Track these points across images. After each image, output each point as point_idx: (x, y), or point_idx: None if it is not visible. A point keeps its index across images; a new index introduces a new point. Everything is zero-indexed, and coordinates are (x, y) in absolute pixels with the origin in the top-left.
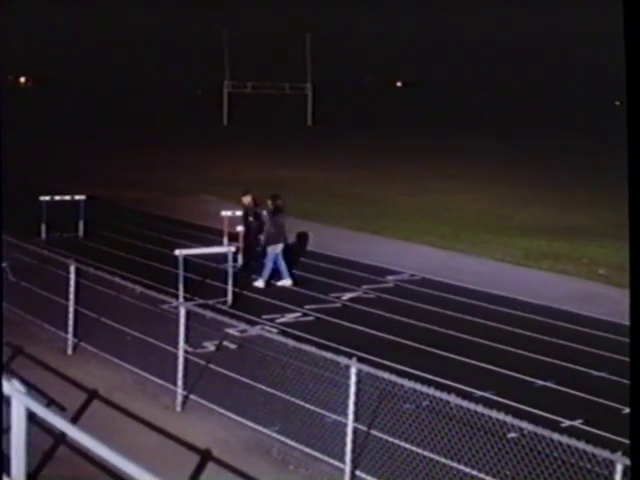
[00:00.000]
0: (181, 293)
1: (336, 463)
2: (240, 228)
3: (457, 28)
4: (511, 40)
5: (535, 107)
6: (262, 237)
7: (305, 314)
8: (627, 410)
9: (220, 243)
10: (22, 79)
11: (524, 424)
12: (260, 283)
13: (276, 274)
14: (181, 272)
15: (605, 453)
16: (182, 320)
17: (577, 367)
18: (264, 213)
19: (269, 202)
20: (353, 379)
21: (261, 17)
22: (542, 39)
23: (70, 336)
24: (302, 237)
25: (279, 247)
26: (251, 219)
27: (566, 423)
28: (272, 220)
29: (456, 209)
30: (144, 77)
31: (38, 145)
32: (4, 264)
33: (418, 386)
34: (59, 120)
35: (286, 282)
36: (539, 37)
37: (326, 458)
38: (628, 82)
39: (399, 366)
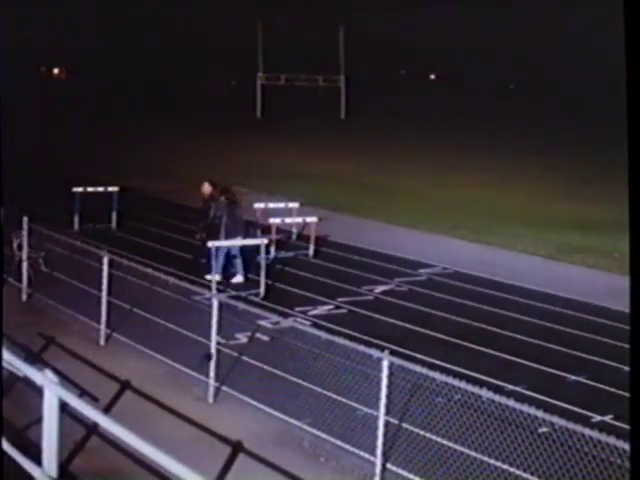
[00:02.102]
0: (214, 285)
1: (367, 456)
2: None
3: (490, 21)
4: (546, 33)
5: (568, 100)
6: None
7: (337, 306)
8: None
9: (253, 235)
10: (55, 70)
11: (555, 419)
12: (216, 276)
13: (232, 268)
14: (214, 264)
15: None
16: (215, 311)
17: (608, 362)
18: (220, 205)
19: (222, 196)
20: (385, 372)
21: (294, 8)
22: (579, 36)
23: (103, 327)
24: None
25: (239, 240)
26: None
27: (597, 418)
28: (229, 213)
29: (489, 202)
30: (177, 68)
31: (71, 136)
32: (39, 254)
33: (450, 380)
34: (92, 111)
35: (239, 278)
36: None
37: (357, 451)
38: (628, 82)
39: (431, 359)
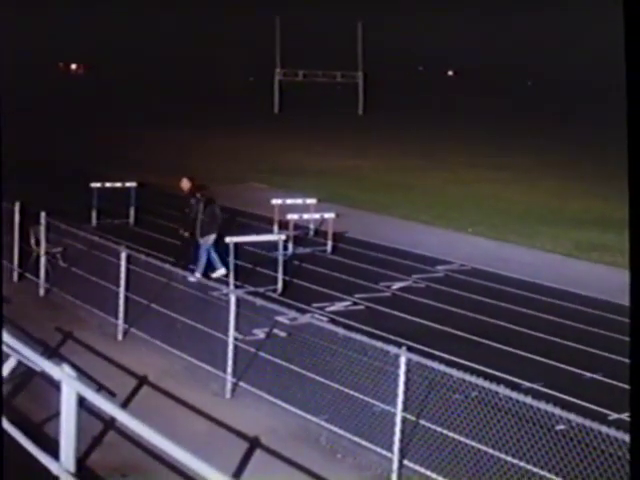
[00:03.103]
0: (231, 280)
1: (384, 452)
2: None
3: (507, 17)
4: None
5: (587, 98)
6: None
7: (355, 303)
8: None
9: (270, 231)
10: (73, 66)
11: (572, 416)
12: (197, 275)
13: (210, 265)
14: (232, 259)
15: None
16: (232, 307)
17: (625, 360)
18: (193, 202)
19: (197, 193)
20: (402, 368)
21: (312, 4)
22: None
23: (120, 322)
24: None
25: (212, 238)
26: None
27: (614, 416)
28: (205, 210)
29: (507, 199)
30: (195, 64)
31: (89, 132)
32: (57, 249)
33: (467, 376)
34: (109, 107)
35: (220, 272)
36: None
37: (374, 447)
38: (628, 82)
39: (448, 356)
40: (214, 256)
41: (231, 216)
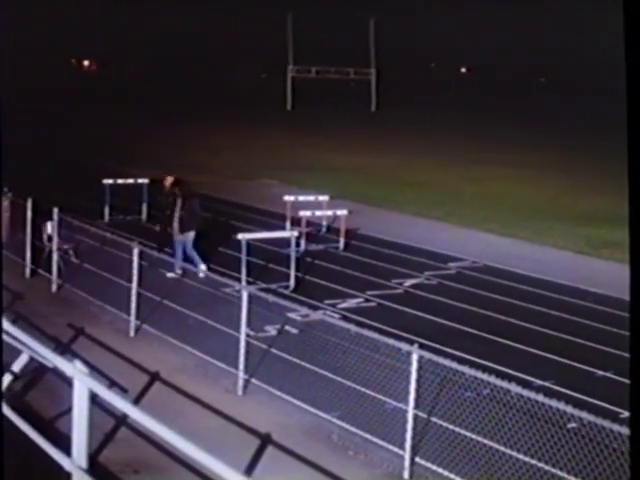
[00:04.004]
0: (244, 277)
1: (396, 450)
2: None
3: (521, 14)
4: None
5: (600, 95)
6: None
7: (367, 300)
8: None
9: (283, 227)
10: (85, 62)
11: (584, 414)
12: (178, 271)
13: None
14: (244, 256)
15: None
16: (244, 304)
17: None
18: (171, 199)
19: (176, 188)
20: (414, 366)
21: (325, 1)
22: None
23: (132, 318)
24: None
25: (191, 234)
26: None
27: (625, 414)
28: (184, 206)
29: (519, 196)
30: (208, 61)
31: (102, 128)
32: (70, 245)
33: (479, 374)
34: (122, 103)
35: (202, 267)
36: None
37: (386, 444)
38: (628, 82)
39: (460, 353)
40: (194, 254)
41: (242, 212)
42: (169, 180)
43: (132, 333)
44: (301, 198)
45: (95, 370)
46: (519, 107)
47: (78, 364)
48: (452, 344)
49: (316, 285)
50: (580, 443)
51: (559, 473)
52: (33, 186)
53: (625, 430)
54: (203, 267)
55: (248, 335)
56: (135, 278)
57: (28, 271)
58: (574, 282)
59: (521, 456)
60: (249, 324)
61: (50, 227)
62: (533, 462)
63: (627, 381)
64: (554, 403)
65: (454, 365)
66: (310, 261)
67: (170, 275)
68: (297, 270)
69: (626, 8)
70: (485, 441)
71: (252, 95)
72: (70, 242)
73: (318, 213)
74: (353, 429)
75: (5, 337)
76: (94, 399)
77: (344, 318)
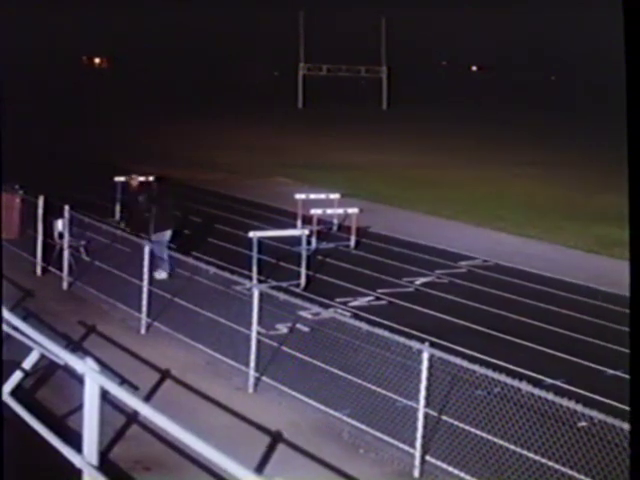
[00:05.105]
0: (255, 275)
1: (406, 448)
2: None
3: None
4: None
5: (614, 95)
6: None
7: (378, 298)
8: None
9: (294, 225)
10: (97, 60)
11: (594, 413)
12: (164, 274)
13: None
14: (255, 254)
15: None
16: (255, 302)
17: None
18: (141, 198)
19: (147, 188)
20: (425, 364)
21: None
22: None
23: (143, 316)
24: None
25: (167, 234)
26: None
27: None
28: (157, 205)
29: (530, 195)
30: (219, 59)
31: (114, 126)
32: (81, 242)
33: (490, 372)
34: (134, 101)
35: (163, 273)
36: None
37: (396, 443)
38: (628, 82)
39: (471, 352)
40: (164, 255)
41: (253, 210)
42: (135, 179)
43: (143, 331)
44: (312, 196)
45: (106, 367)
46: (531, 105)
47: (89, 361)
48: (463, 342)
49: (327, 283)
50: (591, 442)
51: (569, 472)
52: (45, 184)
53: None
54: (164, 274)
55: (259, 333)
56: (146, 276)
57: (39, 269)
58: (584, 281)
59: (531, 455)
60: (260, 322)
61: (61, 225)
62: (543, 461)
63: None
64: (564, 402)
65: (465, 363)
66: (321, 259)
67: (160, 276)
68: (308, 268)
69: (626, 8)
70: (495, 440)
71: (264, 93)
72: (81, 239)
73: (329, 211)
74: (364, 427)
75: (16, 334)
76: (105, 396)
77: (355, 316)
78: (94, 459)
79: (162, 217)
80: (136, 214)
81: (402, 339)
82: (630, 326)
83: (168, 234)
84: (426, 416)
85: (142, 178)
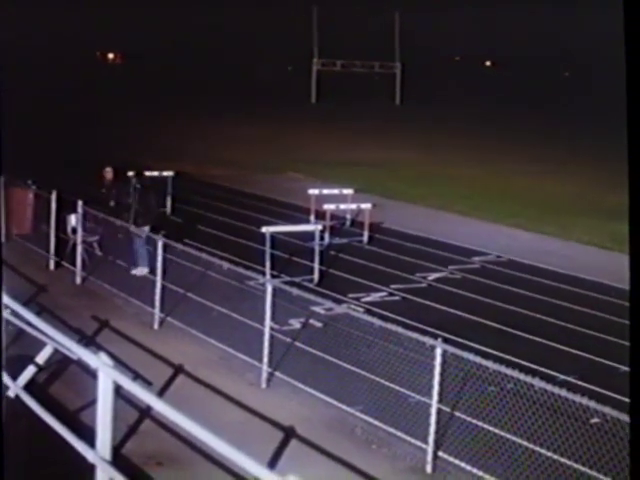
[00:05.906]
0: (268, 270)
1: (419, 443)
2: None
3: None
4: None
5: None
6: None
7: (391, 294)
8: None
9: (307, 221)
10: (110, 55)
11: (607, 409)
12: (145, 270)
13: (132, 258)
14: (268, 249)
15: None
16: (268, 297)
17: None
18: (130, 190)
19: (133, 179)
20: (438, 360)
21: None
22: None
23: (157, 311)
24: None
25: (145, 230)
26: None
27: None
28: (140, 200)
29: (543, 191)
30: (233, 54)
31: (128, 122)
32: (94, 237)
33: (503, 368)
34: (148, 97)
35: (143, 270)
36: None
37: (409, 438)
38: (628, 82)
39: (484, 348)
40: (143, 251)
41: (267, 205)
42: (109, 172)
43: (156, 326)
44: (325, 191)
45: (119, 362)
46: (545, 101)
47: (103, 356)
48: (476, 338)
49: (340, 278)
50: (603, 439)
51: (582, 468)
52: (58, 179)
53: None
54: (145, 270)
55: (272, 328)
56: (159, 271)
57: (52, 263)
58: (598, 277)
59: (544, 451)
60: (273, 317)
61: (74, 220)
62: (556, 457)
63: None
64: (577, 398)
65: (478, 359)
66: (334, 254)
67: (141, 273)
68: (321, 263)
69: (626, 8)
70: (508, 436)
71: (278, 88)
72: (94, 234)
73: (342, 206)
74: (376, 423)
75: (29, 329)
76: (118, 391)
77: (368, 312)
78: (107, 454)
79: (141, 212)
80: (111, 208)
81: (415, 335)
82: (630, 320)
83: (146, 230)
84: (439, 412)
85: (111, 170)
